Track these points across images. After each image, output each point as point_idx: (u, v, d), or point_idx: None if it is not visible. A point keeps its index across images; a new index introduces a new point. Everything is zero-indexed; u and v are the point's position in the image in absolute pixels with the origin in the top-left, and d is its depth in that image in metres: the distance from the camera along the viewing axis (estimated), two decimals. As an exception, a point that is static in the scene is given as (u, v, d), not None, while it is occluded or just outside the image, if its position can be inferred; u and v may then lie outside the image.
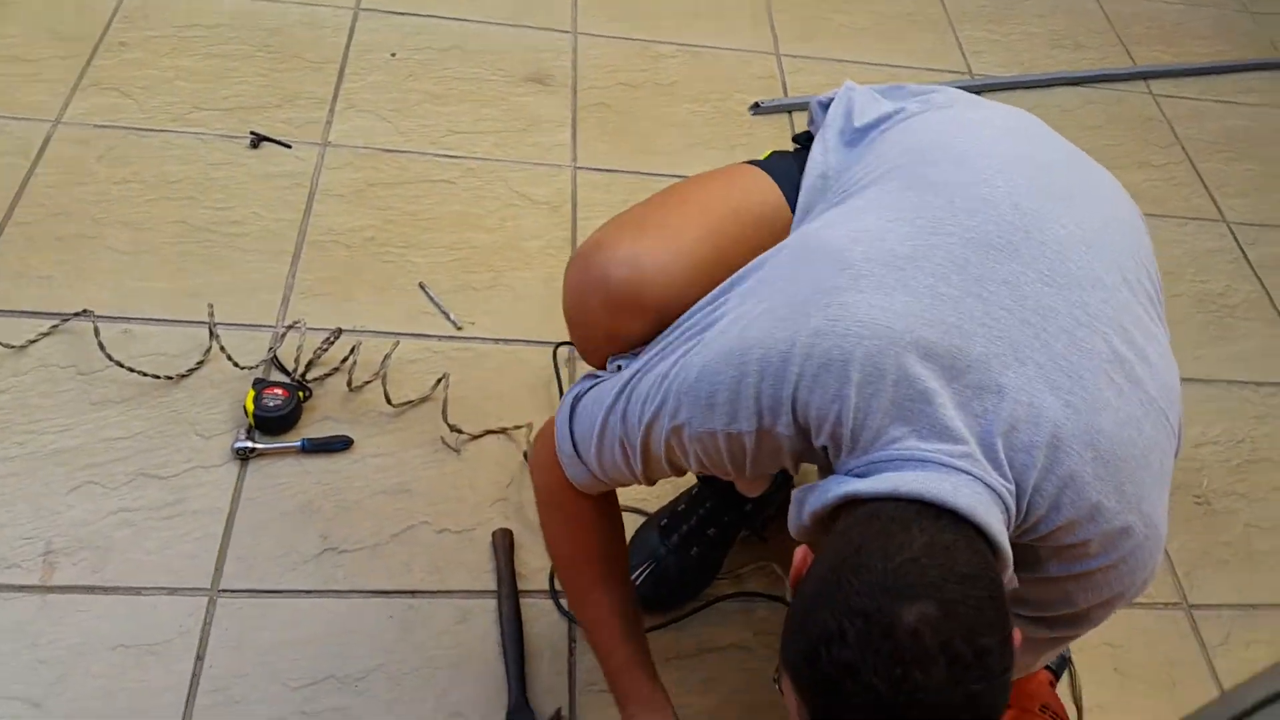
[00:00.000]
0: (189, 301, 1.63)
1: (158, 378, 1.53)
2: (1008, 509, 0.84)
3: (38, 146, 1.81)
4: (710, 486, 1.44)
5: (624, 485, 1.11)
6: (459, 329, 1.71)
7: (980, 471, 0.82)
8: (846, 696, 0.73)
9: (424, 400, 1.59)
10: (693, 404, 0.93)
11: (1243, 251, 2.22)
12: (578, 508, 1.17)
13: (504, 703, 1.32)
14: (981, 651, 0.73)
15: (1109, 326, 0.90)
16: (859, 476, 0.85)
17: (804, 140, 1.19)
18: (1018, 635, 0.79)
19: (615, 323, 1.07)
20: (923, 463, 0.82)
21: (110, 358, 1.51)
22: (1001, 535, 0.81)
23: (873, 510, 0.82)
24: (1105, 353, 0.88)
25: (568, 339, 1.69)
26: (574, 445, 1.09)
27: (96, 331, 1.53)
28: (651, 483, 1.08)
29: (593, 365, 1.17)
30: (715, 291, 1.00)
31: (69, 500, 1.39)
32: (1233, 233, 2.26)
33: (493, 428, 1.59)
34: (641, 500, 1.53)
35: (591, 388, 1.08)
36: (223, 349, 1.54)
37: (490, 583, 1.43)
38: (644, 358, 1.02)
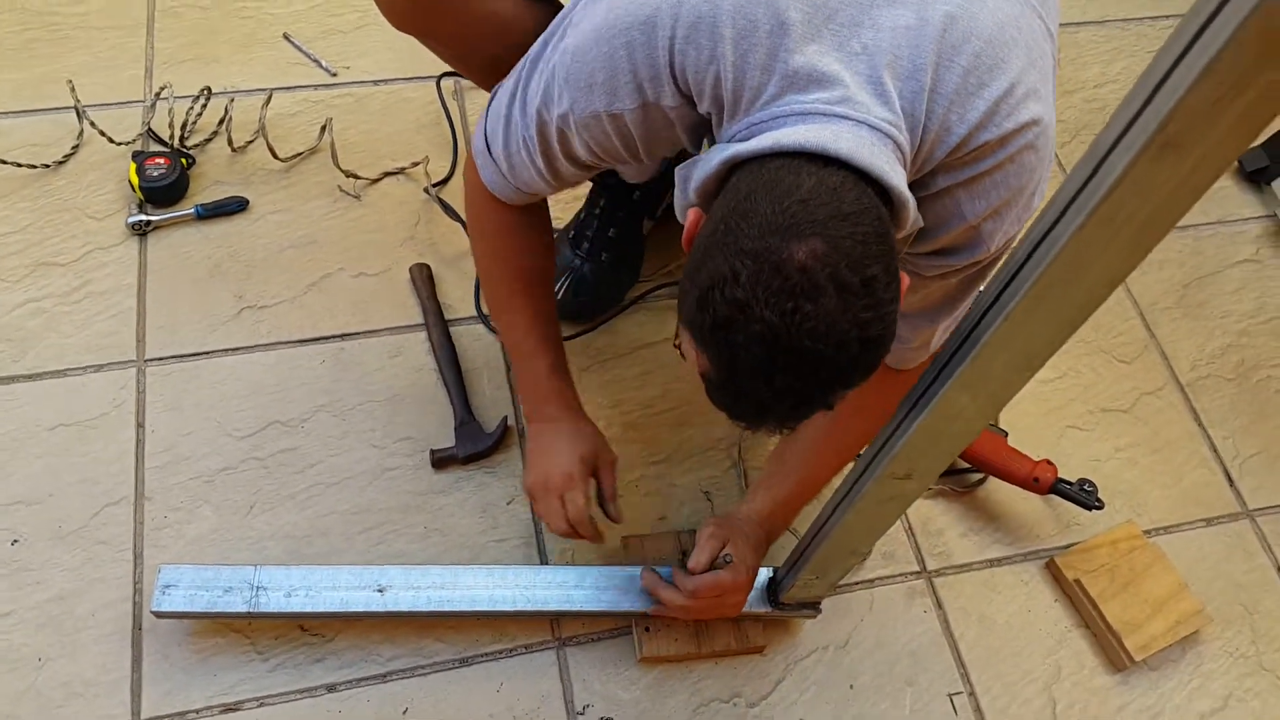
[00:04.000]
0: (48, 89, 1.56)
1: (34, 167, 1.48)
2: (899, 145, 0.83)
3: None
4: (601, 185, 1.44)
5: (537, 191, 1.09)
6: (334, 75, 1.65)
7: (861, 114, 0.81)
8: (741, 333, 0.75)
9: (313, 151, 1.56)
10: (573, 88, 0.91)
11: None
12: (500, 219, 1.15)
13: (449, 422, 1.37)
14: (868, 280, 0.75)
15: None
16: (741, 141, 0.84)
17: None
18: (905, 280, 0.81)
19: None
20: (803, 115, 0.81)
21: (-23, 154, 1.46)
22: (888, 173, 0.80)
23: (759, 166, 0.81)
24: None
25: (450, 69, 1.67)
26: (487, 145, 1.07)
27: (-45, 130, 1.46)
28: (562, 184, 1.06)
29: (402, 29, 1.15)
30: None
31: (-29, 300, 1.38)
32: None
33: (389, 169, 1.56)
34: (556, 220, 1.53)
35: (504, 84, 1.04)
36: (94, 125, 1.49)
37: (416, 317, 1.45)
38: (536, 47, 0.99)
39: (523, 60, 1.01)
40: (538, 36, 1.10)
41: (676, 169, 0.93)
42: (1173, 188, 0.50)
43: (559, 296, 1.44)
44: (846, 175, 0.78)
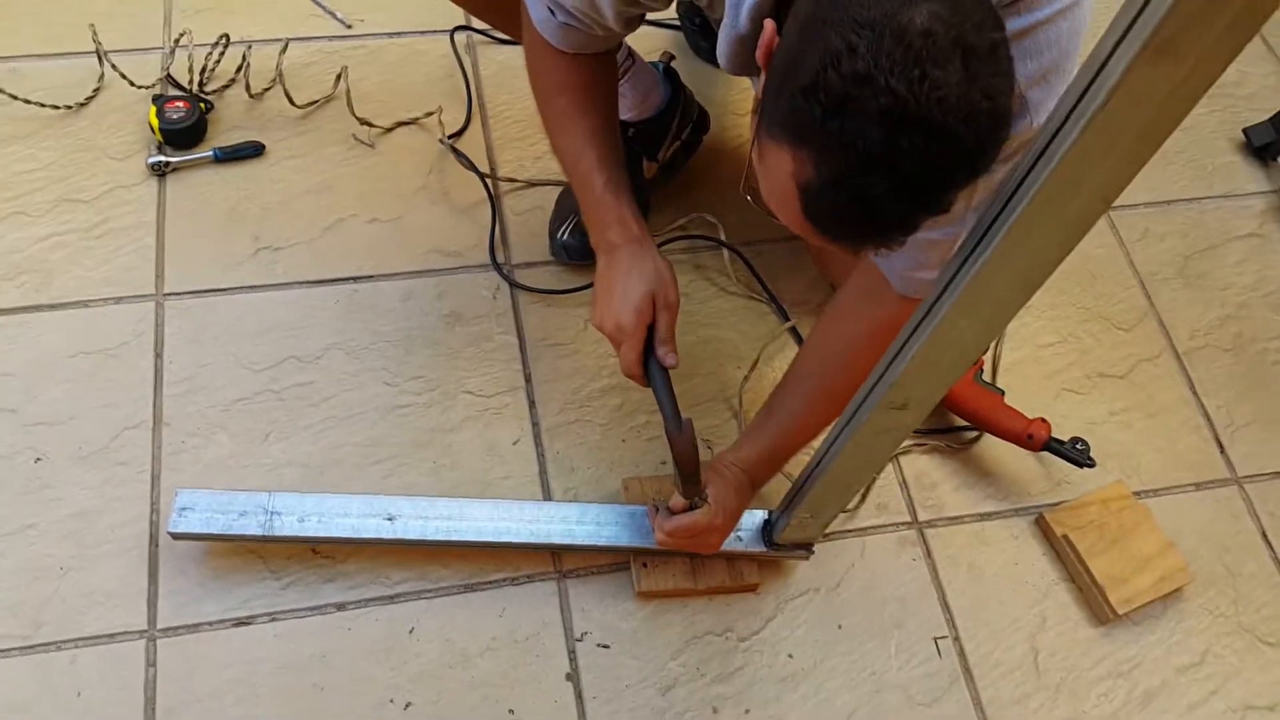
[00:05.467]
0: (70, 33, 1.58)
1: (57, 108, 1.51)
2: None
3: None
4: None
5: (577, 15, 1.07)
6: (349, 27, 1.68)
7: None
8: (863, 109, 0.69)
9: (329, 100, 1.59)
10: None
11: None
12: (555, 53, 1.14)
13: (455, 375, 1.39)
14: (994, 45, 0.71)
15: None
16: None
17: None
18: None
19: None
20: None
21: (3, 92, 1.49)
22: None
23: None
24: None
25: (463, 23, 1.69)
26: None
27: (-18, 69, 1.49)
28: (599, 18, 1.06)
29: None
30: None
31: (-3, 231, 1.41)
32: None
33: (403, 119, 1.59)
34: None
35: None
36: (115, 69, 1.52)
37: (426, 263, 1.48)
38: None
39: None
40: None
41: None
42: (1168, 94, 0.54)
43: (563, 239, 1.47)
44: None
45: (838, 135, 0.71)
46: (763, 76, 0.82)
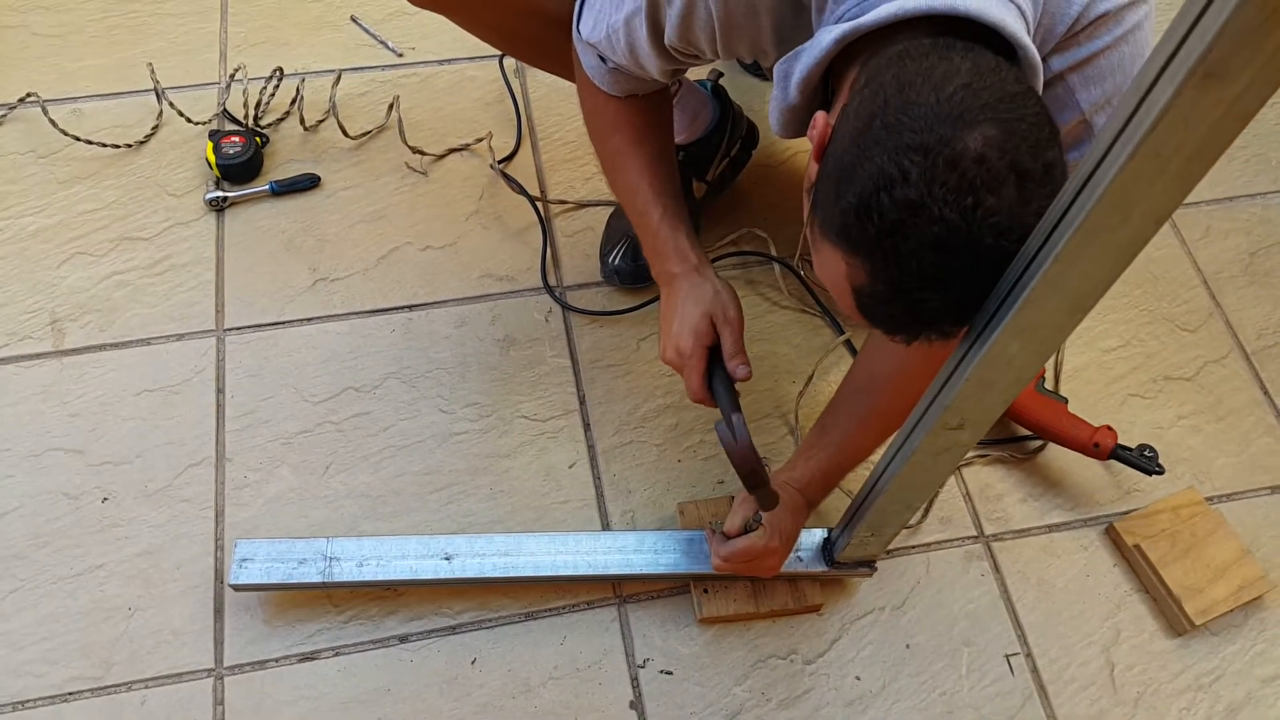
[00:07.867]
0: (129, 73, 1.63)
1: (118, 147, 1.55)
2: (1022, 12, 0.80)
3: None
4: None
5: (624, 67, 1.09)
6: (400, 56, 1.70)
7: None
8: (914, 237, 0.70)
9: (381, 130, 1.61)
10: None
11: None
12: (606, 96, 1.15)
13: (511, 399, 1.40)
14: (1048, 165, 0.70)
15: None
16: (852, 20, 0.80)
17: None
18: None
19: None
20: None
21: (67, 134, 1.53)
22: (1020, 33, 0.77)
23: (897, 53, 0.76)
24: None
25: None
26: (579, 27, 1.08)
27: (46, 112, 1.54)
28: (642, 73, 1.07)
29: (418, 4, 1.20)
30: None
31: (61, 272, 1.45)
32: None
33: (454, 145, 1.61)
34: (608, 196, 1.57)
35: None
36: (173, 106, 1.55)
37: (479, 289, 1.49)
38: None
39: None
40: (541, 5, 1.13)
41: (776, 65, 0.90)
42: (1218, 117, 0.51)
43: (614, 263, 1.47)
44: (999, 58, 0.75)
45: (892, 254, 0.71)
46: (813, 166, 0.81)
